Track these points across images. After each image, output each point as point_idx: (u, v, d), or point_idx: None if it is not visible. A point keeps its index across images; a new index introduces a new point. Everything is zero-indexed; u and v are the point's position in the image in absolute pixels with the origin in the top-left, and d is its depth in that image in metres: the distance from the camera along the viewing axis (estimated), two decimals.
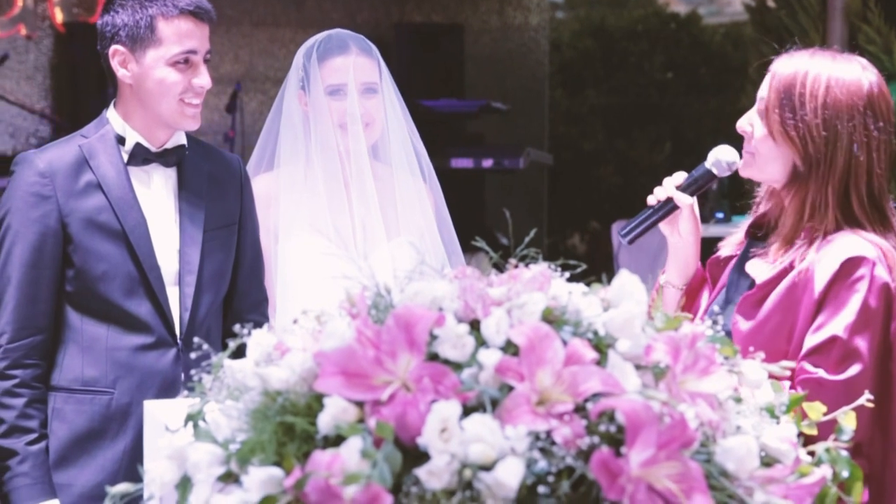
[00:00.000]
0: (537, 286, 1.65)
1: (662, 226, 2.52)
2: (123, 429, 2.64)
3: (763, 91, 2.36)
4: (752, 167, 2.39)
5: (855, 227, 2.28)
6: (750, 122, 2.38)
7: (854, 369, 2.18)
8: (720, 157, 2.48)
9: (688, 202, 2.49)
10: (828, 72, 2.31)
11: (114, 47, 2.67)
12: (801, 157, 2.30)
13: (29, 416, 2.63)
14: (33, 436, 2.63)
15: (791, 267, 2.27)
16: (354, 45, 3.06)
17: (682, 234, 2.51)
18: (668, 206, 2.49)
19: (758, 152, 2.36)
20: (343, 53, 3.05)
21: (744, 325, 2.27)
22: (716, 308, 2.36)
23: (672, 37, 11.87)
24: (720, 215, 6.40)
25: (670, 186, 2.49)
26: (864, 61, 2.37)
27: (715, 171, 2.49)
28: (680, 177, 2.50)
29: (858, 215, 2.29)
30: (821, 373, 2.18)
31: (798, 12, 6.55)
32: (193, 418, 1.69)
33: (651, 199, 2.50)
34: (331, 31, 3.12)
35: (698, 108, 11.09)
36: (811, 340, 2.21)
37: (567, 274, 1.70)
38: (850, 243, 2.25)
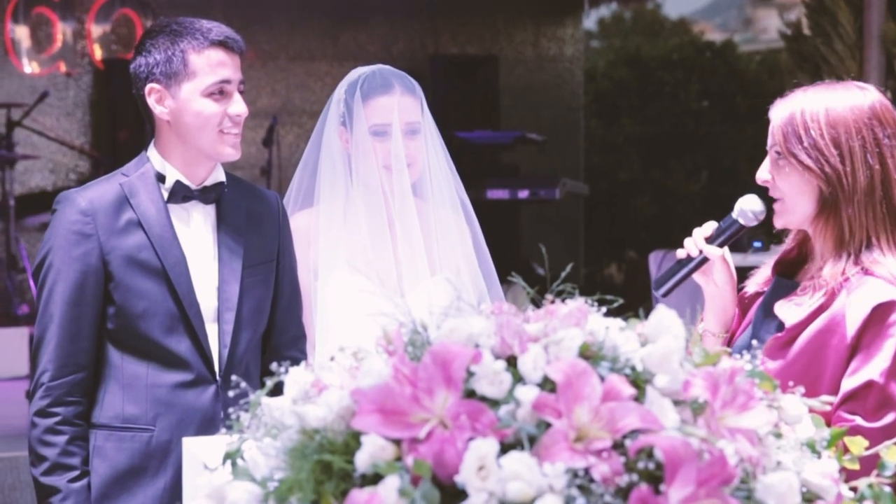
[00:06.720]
0: (574, 322, 1.65)
1: (696, 276, 2.50)
2: (164, 466, 2.65)
3: (769, 137, 2.38)
4: (784, 213, 2.39)
5: (880, 240, 2.28)
6: (767, 171, 2.39)
7: (891, 416, 2.20)
8: (745, 208, 2.47)
9: (717, 254, 2.48)
10: (823, 98, 2.34)
11: (149, 86, 2.69)
12: (823, 180, 2.31)
13: (71, 453, 2.64)
14: (75, 473, 2.64)
15: (821, 310, 2.27)
16: (398, 84, 3.03)
17: (717, 283, 2.50)
18: (700, 259, 2.48)
19: (784, 195, 2.37)
20: (388, 93, 3.01)
21: (770, 366, 2.25)
22: (755, 343, 2.36)
23: (707, 65, 11.86)
24: (758, 244, 6.36)
25: (699, 239, 2.48)
26: (863, 85, 2.38)
27: (742, 222, 2.47)
28: (709, 227, 2.49)
29: (886, 227, 2.30)
30: (858, 420, 2.18)
31: (834, 40, 6.50)
32: (232, 456, 1.70)
33: (681, 253, 2.49)
34: (373, 66, 3.09)
35: (734, 136, 11.05)
36: (847, 385, 2.21)
37: (604, 309, 1.69)
38: (881, 288, 2.26)
